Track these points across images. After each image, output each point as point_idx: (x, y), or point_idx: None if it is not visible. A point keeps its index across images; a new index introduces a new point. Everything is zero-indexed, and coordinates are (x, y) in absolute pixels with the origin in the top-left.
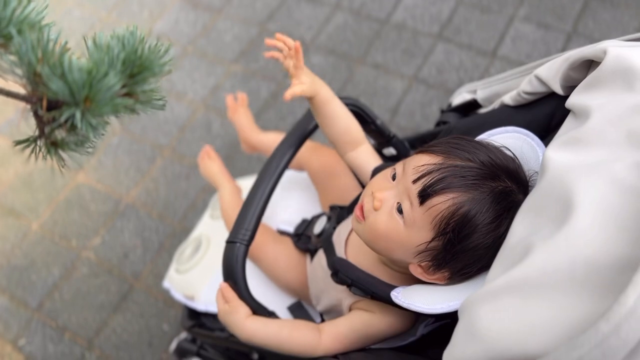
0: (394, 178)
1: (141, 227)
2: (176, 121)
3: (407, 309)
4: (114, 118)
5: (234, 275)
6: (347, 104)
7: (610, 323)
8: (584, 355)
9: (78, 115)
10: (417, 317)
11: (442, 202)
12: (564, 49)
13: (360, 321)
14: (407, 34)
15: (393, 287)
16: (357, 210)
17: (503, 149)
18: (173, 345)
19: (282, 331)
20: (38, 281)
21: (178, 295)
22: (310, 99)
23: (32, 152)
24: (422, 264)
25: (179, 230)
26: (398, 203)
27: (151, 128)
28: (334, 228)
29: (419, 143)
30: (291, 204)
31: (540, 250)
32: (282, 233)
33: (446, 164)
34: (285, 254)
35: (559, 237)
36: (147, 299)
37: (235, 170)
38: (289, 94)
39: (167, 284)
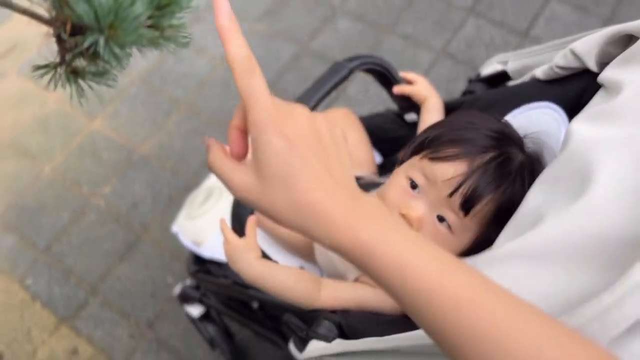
0: (413, 187)
1: (153, 179)
2: (195, 76)
3: None
4: (135, 66)
5: (241, 220)
6: (372, 63)
7: (614, 295)
8: (582, 325)
9: (102, 42)
10: None
11: (484, 205)
12: None
13: (363, 294)
14: (439, 5)
15: None
16: None
17: (489, 116)
18: (177, 290)
19: (289, 279)
20: (47, 224)
21: (186, 241)
22: (421, 103)
23: (51, 79)
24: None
25: (191, 184)
26: (438, 215)
27: (170, 81)
28: None
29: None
30: None
31: (552, 220)
32: None
33: (473, 166)
34: None
35: (573, 208)
36: (153, 250)
37: None
38: (398, 89)
39: (176, 228)
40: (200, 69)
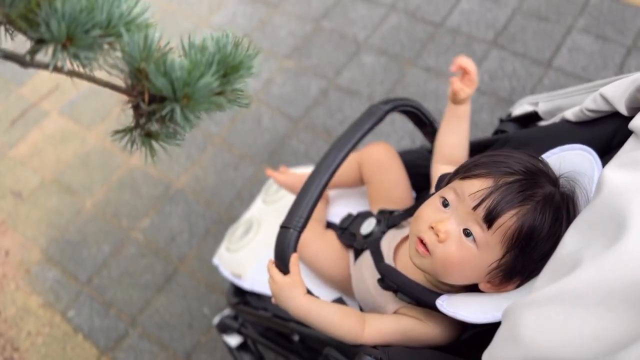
0: (445, 205)
1: (189, 213)
2: (228, 111)
3: (453, 317)
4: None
5: (284, 259)
6: (406, 105)
7: None
8: None
9: (178, 110)
10: (464, 329)
11: (508, 220)
12: (622, 63)
13: (405, 325)
14: (461, 38)
15: (439, 294)
16: (418, 246)
17: (525, 152)
18: (216, 320)
19: (335, 316)
20: (88, 257)
21: (226, 273)
22: (456, 104)
23: (127, 141)
24: (492, 280)
25: (225, 217)
26: (465, 229)
27: (203, 117)
28: (383, 233)
29: (474, 149)
30: (342, 196)
31: (589, 265)
32: (328, 224)
33: (498, 184)
34: (326, 250)
35: (609, 254)
36: (190, 282)
37: (282, 164)
38: (457, 85)
39: (216, 260)
40: None
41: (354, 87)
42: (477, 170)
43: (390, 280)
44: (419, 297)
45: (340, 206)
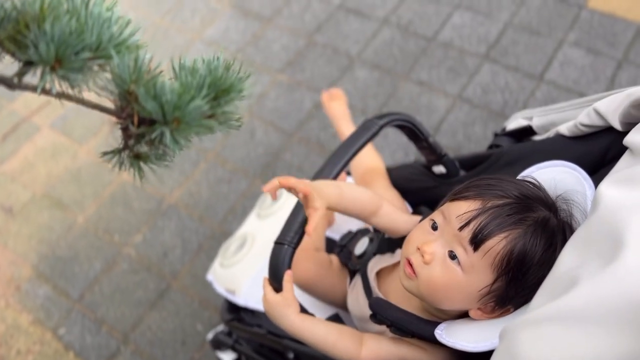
0: (434, 228)
1: (182, 228)
2: None
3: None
4: None
5: (278, 276)
6: (400, 119)
7: None
8: None
9: (167, 133)
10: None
11: (497, 244)
12: (613, 76)
13: (405, 351)
14: (453, 52)
15: (435, 324)
16: (406, 268)
17: (525, 178)
18: (210, 336)
19: (330, 336)
20: (80, 273)
21: (220, 289)
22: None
23: (116, 162)
24: (484, 307)
25: (218, 232)
26: (450, 251)
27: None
28: (374, 254)
29: (469, 164)
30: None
31: (586, 284)
32: (329, 240)
33: (487, 206)
34: (337, 279)
35: (606, 273)
36: (183, 298)
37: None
38: (311, 229)
39: (210, 276)
40: None
41: (347, 101)
42: (467, 192)
43: (383, 316)
44: (414, 331)
45: (342, 222)
